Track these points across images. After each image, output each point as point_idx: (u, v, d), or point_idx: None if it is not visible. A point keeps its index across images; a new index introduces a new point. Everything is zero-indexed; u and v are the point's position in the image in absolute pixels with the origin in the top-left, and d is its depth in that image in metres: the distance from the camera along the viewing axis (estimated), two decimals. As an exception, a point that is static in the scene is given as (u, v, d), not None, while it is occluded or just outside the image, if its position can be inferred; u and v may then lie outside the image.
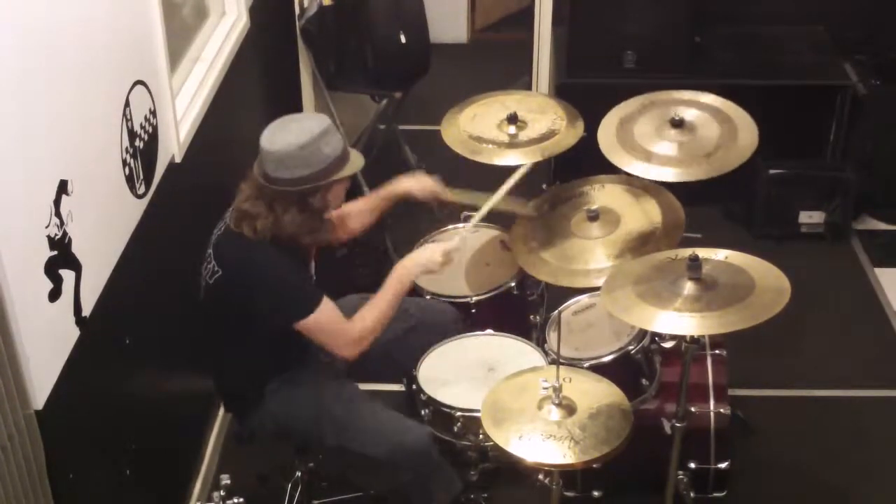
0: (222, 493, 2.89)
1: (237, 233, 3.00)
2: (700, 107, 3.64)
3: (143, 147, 3.09)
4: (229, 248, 3.04)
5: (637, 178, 3.51)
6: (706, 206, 4.79)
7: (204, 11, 4.14)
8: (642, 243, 3.33)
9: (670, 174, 3.43)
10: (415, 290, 3.63)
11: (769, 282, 2.80)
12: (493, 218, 3.91)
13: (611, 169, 3.58)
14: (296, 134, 2.92)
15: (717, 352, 3.52)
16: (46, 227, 2.45)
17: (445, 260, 3.20)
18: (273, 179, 2.93)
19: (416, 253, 3.30)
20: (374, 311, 3.11)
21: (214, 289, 3.06)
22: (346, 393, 3.20)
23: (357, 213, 3.50)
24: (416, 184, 3.52)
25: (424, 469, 3.15)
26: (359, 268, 4.53)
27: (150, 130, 3.16)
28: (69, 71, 2.61)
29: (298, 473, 3.46)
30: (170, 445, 3.47)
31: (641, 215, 3.45)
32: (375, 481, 3.47)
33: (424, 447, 3.12)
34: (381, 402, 3.24)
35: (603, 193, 3.57)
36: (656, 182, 3.48)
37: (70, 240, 2.56)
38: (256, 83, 4.64)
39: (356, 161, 3.03)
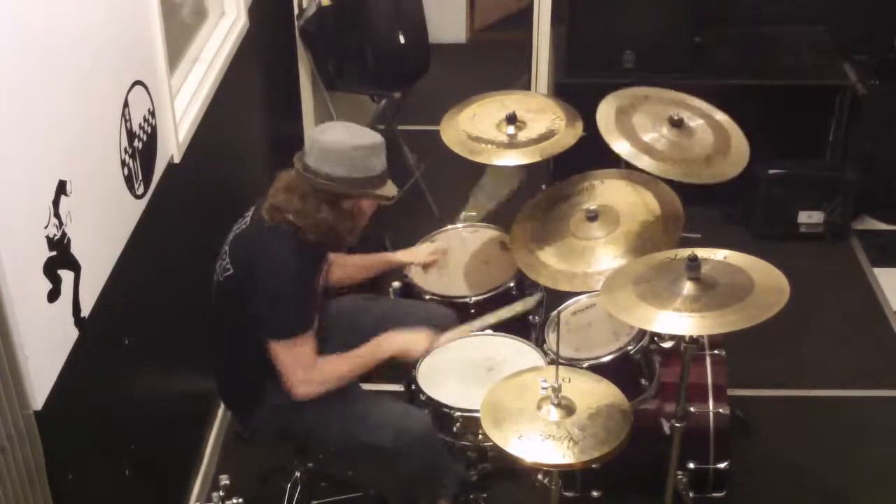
0: (222, 493, 2.90)
1: (266, 222, 2.98)
2: (698, 113, 3.64)
3: (141, 147, 3.09)
4: (248, 242, 3.04)
5: (635, 173, 3.50)
6: (706, 207, 4.78)
7: (203, 12, 4.13)
8: (642, 240, 3.33)
9: (664, 168, 3.43)
10: (415, 293, 3.63)
11: (768, 282, 2.80)
12: (491, 218, 3.92)
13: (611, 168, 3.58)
14: (351, 136, 2.96)
15: (716, 352, 3.52)
16: (45, 227, 2.45)
17: (429, 348, 3.25)
18: (312, 170, 2.94)
19: (403, 333, 3.27)
20: (340, 365, 3.11)
21: (223, 286, 3.08)
22: (349, 389, 3.20)
23: (349, 265, 3.50)
24: (414, 258, 3.64)
25: (431, 453, 3.15)
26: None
27: (149, 131, 3.16)
28: (68, 71, 2.61)
29: (298, 473, 3.46)
30: (169, 445, 3.47)
31: (640, 209, 3.43)
32: (380, 477, 3.47)
33: (428, 430, 3.13)
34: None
35: (602, 189, 3.56)
36: (653, 175, 3.49)
37: (69, 240, 2.56)
38: (255, 84, 4.64)
39: (391, 188, 3.07)
